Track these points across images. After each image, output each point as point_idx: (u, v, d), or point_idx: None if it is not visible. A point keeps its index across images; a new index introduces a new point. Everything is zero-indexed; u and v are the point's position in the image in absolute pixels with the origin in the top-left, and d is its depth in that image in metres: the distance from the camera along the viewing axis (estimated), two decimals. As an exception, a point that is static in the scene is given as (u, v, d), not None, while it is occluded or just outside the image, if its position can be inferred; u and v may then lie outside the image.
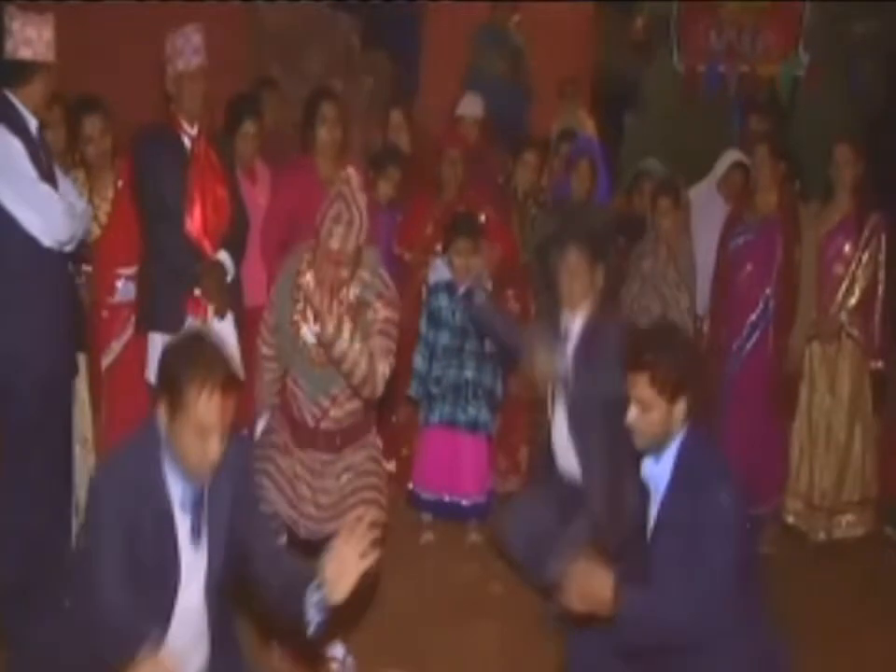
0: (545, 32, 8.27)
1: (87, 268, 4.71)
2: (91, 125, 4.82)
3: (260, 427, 4.15)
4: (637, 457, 3.23)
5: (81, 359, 4.49)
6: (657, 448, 3.14)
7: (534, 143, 6.12)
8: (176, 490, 2.81)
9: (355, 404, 3.92)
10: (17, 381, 3.99)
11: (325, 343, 3.69)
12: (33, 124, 4.01)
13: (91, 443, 4.68)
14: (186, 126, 4.50)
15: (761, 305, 5.33)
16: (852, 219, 5.44)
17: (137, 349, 4.71)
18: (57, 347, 4.13)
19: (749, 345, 5.34)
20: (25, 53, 3.92)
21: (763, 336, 5.33)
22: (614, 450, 3.89)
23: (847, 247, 5.45)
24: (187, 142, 4.51)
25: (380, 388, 3.82)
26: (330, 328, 3.63)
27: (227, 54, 6.15)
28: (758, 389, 5.31)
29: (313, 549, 3.85)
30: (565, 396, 4.37)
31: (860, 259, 5.42)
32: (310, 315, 3.81)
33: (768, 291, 5.32)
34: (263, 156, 5.39)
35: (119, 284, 4.82)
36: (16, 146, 3.90)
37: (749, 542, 3.19)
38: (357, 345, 3.68)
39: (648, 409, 3.09)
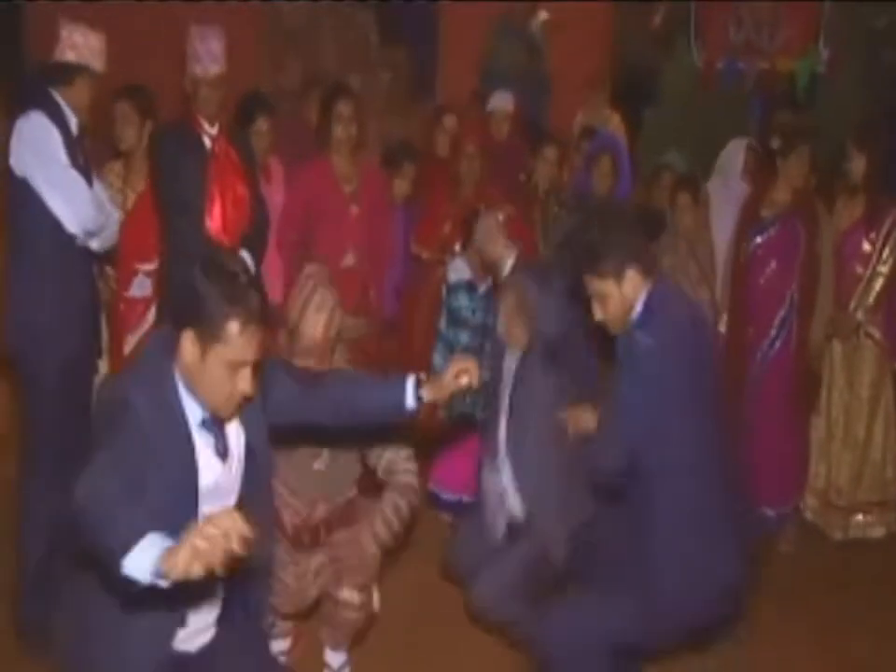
0: (565, 27, 8.24)
1: (109, 269, 4.74)
2: (127, 111, 4.98)
3: None
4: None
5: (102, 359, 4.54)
6: (628, 325, 3.29)
7: (554, 139, 6.10)
8: (194, 412, 2.61)
9: (352, 493, 3.83)
10: (42, 362, 4.06)
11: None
12: (73, 122, 4.11)
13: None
14: (205, 125, 4.50)
15: (787, 302, 5.29)
16: (870, 216, 5.39)
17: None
18: (81, 334, 4.20)
19: (777, 344, 5.30)
20: (69, 56, 4.07)
21: (789, 334, 5.30)
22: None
23: (865, 245, 5.40)
24: (207, 141, 4.52)
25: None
26: None
27: (243, 52, 6.16)
28: (782, 387, 5.28)
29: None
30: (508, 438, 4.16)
31: (879, 256, 5.38)
32: None
33: (793, 287, 5.29)
34: (278, 152, 5.38)
35: (136, 279, 4.85)
36: (54, 133, 4.01)
37: (689, 393, 3.20)
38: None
39: (602, 299, 3.29)
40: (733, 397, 5.41)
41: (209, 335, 2.46)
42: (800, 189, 5.37)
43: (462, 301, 5.16)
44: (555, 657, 3.37)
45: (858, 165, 5.38)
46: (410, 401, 2.99)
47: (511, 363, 4.11)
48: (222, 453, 2.69)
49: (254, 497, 2.77)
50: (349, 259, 5.07)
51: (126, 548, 2.10)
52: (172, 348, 2.54)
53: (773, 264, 5.31)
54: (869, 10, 8.74)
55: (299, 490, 3.67)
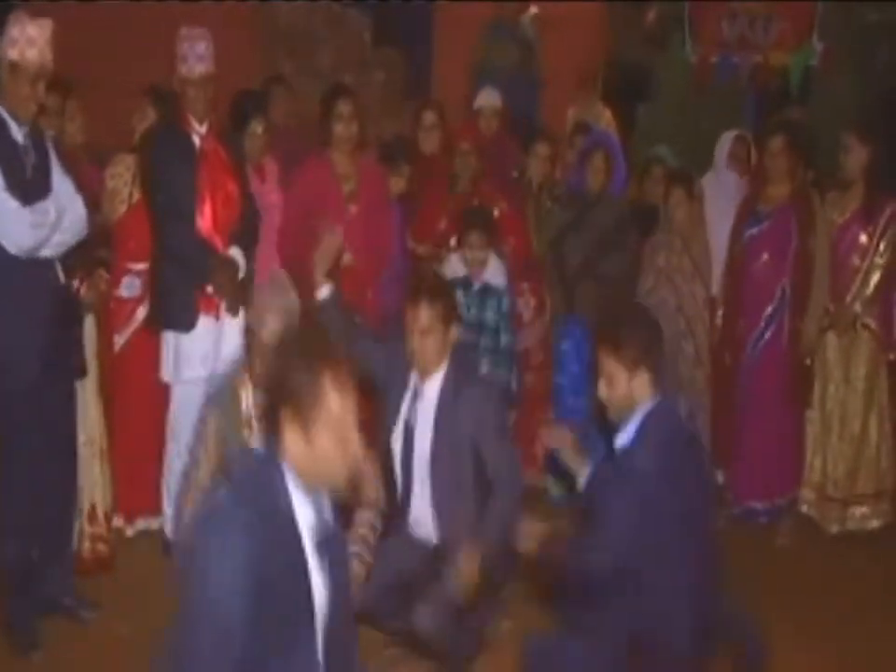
0: (558, 24, 8.25)
1: (102, 271, 4.73)
2: (143, 106, 5.02)
3: None
4: None
5: (91, 362, 4.49)
6: (625, 418, 3.38)
7: (546, 135, 6.11)
8: (305, 515, 2.41)
9: None
10: (4, 382, 3.99)
11: None
12: (15, 129, 3.93)
13: (100, 445, 4.67)
14: (195, 124, 4.52)
15: (777, 295, 5.30)
16: (867, 209, 5.40)
17: (143, 346, 4.75)
18: (45, 349, 4.05)
19: (766, 336, 5.32)
20: (10, 54, 3.86)
21: (779, 327, 5.31)
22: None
23: (862, 237, 5.40)
24: (196, 139, 4.54)
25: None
26: None
27: (238, 52, 6.19)
28: (775, 380, 5.29)
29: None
30: (424, 466, 3.97)
31: (876, 249, 5.38)
32: (256, 425, 3.56)
33: (784, 281, 5.30)
34: (272, 153, 5.40)
35: (125, 279, 4.88)
36: None
37: (678, 518, 3.20)
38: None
39: (611, 380, 3.36)
40: (726, 389, 5.45)
41: (308, 409, 2.32)
42: (794, 184, 5.38)
43: (457, 297, 5.16)
44: None
45: (856, 158, 5.38)
46: None
47: (419, 388, 3.97)
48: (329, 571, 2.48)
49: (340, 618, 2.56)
50: (347, 258, 5.08)
51: None
52: (271, 454, 2.41)
53: (764, 257, 5.33)
54: (862, 4, 8.75)
55: None
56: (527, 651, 3.45)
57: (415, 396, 3.98)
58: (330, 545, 2.46)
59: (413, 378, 3.99)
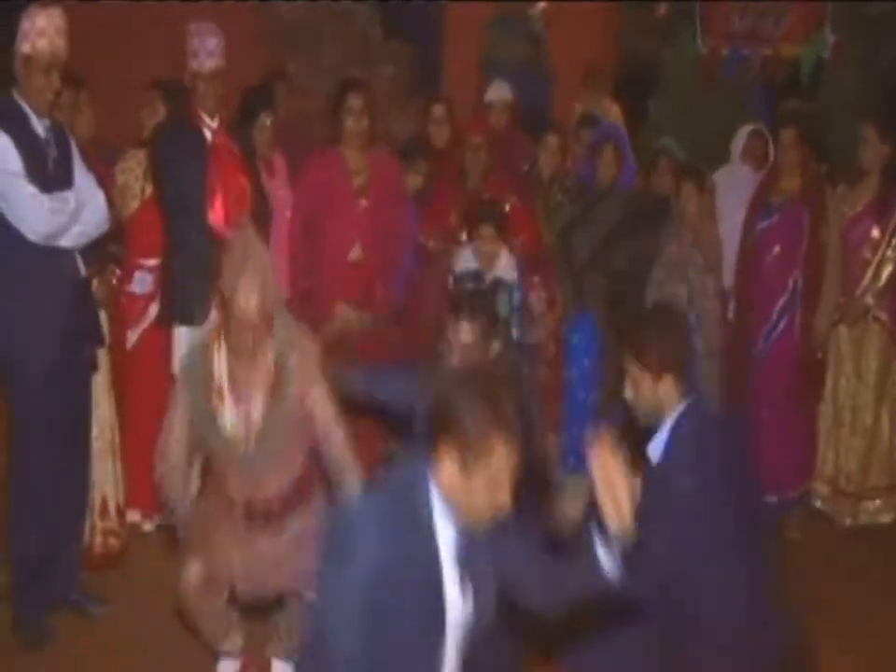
0: (568, 18, 8.24)
1: (113, 266, 4.75)
2: (153, 100, 5.04)
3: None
4: None
5: (103, 357, 4.50)
6: (654, 423, 3.31)
7: (556, 127, 6.10)
8: (446, 535, 2.45)
9: (298, 472, 3.61)
10: (23, 368, 4.04)
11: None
12: (35, 121, 4.00)
13: (112, 440, 4.69)
14: (206, 119, 4.53)
15: (789, 288, 5.30)
16: (880, 201, 5.39)
17: (155, 342, 4.76)
18: (63, 338, 4.11)
19: (778, 329, 5.31)
20: (24, 49, 3.92)
21: (791, 320, 5.31)
22: None
23: (874, 230, 5.41)
24: (207, 134, 4.54)
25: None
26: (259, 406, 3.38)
27: (244, 47, 6.18)
28: (786, 373, 5.28)
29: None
30: None
31: (888, 243, 5.38)
32: (228, 395, 3.44)
33: (796, 273, 5.29)
34: (280, 147, 5.40)
35: (137, 275, 4.89)
36: (6, 143, 3.90)
37: (728, 532, 3.16)
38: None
39: (636, 385, 3.31)
40: (738, 382, 5.43)
41: (472, 449, 2.35)
42: (806, 176, 5.37)
43: (469, 290, 5.16)
44: None
45: (875, 151, 5.37)
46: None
47: None
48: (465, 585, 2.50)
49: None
50: (356, 252, 5.08)
51: None
52: (422, 468, 2.43)
53: (776, 249, 5.32)
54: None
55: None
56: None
57: None
58: (472, 559, 2.48)
59: None
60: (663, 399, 3.27)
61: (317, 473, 3.70)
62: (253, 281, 3.27)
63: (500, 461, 2.36)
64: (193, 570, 3.53)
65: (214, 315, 3.55)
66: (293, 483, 3.59)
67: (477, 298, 4.17)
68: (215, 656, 3.88)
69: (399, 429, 4.07)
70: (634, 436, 3.29)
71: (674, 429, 3.25)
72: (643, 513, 2.85)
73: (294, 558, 3.52)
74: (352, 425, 3.69)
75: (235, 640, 3.82)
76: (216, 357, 3.43)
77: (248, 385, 3.40)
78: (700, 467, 3.15)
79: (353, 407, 3.89)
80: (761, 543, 3.38)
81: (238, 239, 3.45)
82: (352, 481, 3.51)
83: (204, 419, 3.45)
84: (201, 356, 3.49)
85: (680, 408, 3.27)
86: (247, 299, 3.26)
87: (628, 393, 3.35)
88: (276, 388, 3.42)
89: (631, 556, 2.92)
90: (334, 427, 3.54)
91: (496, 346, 3.93)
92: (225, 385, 3.41)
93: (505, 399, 2.40)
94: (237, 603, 3.72)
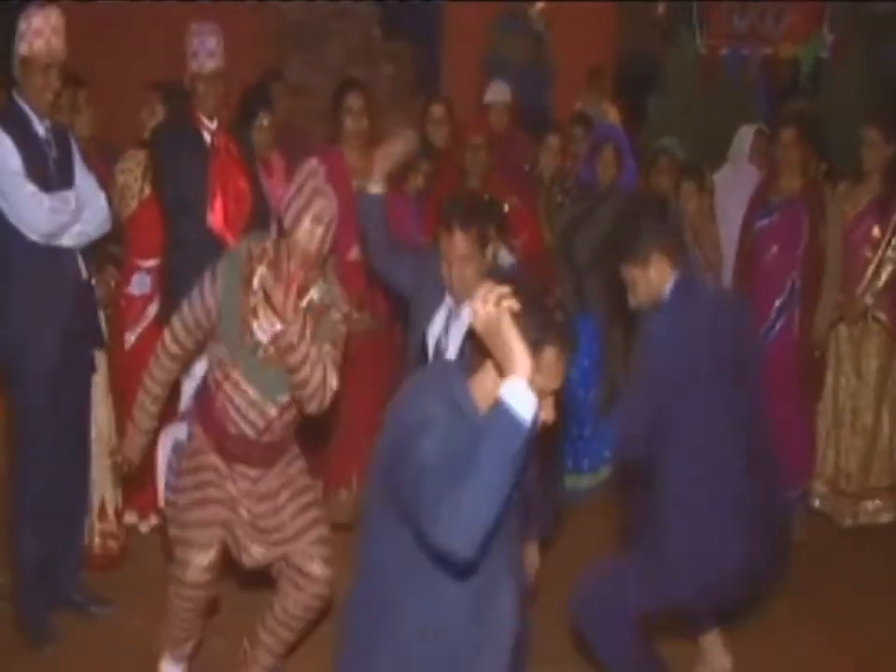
0: (569, 17, 8.25)
1: (111, 268, 4.75)
2: (152, 101, 5.05)
3: (169, 444, 3.77)
4: None
5: (100, 358, 4.50)
6: (655, 306, 3.46)
7: (557, 127, 6.10)
8: None
9: (293, 415, 3.62)
10: (25, 368, 4.05)
11: (283, 346, 3.36)
12: (36, 122, 4.02)
13: (110, 442, 4.68)
14: (205, 120, 4.54)
15: (787, 288, 5.29)
16: (882, 201, 5.39)
17: (154, 343, 4.73)
18: (64, 338, 4.12)
19: (776, 329, 5.31)
20: (22, 50, 3.93)
21: (789, 319, 5.30)
22: None
23: (875, 230, 5.40)
24: (206, 136, 4.55)
25: (327, 403, 3.48)
26: (295, 331, 3.32)
27: (246, 46, 6.19)
28: (785, 372, 5.27)
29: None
30: None
31: (889, 242, 5.38)
32: (263, 312, 3.43)
33: (794, 273, 5.29)
34: (278, 147, 5.40)
35: (136, 276, 4.89)
36: (5, 142, 3.92)
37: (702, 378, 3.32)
38: (314, 352, 3.36)
39: (634, 286, 3.45)
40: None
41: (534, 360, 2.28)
42: (805, 176, 5.37)
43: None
44: (584, 625, 3.56)
45: (878, 153, 5.37)
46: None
47: (454, 315, 3.86)
48: None
49: None
50: (355, 253, 5.08)
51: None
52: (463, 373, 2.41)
53: (775, 249, 5.32)
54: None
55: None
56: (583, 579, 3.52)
57: (450, 316, 3.90)
58: None
59: (448, 300, 3.90)
60: (656, 283, 3.40)
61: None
62: (318, 224, 3.28)
63: (551, 376, 2.33)
64: (203, 559, 3.55)
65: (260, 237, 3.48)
66: (290, 425, 3.63)
67: (470, 206, 4.12)
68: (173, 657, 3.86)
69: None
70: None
71: (667, 297, 3.40)
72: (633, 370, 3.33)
73: (293, 523, 3.61)
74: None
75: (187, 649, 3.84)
76: (257, 274, 3.40)
77: (282, 309, 3.36)
78: (680, 320, 3.33)
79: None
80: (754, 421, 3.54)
81: (312, 173, 3.40)
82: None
83: (235, 328, 3.43)
84: (239, 269, 3.43)
85: (672, 284, 3.39)
86: (309, 239, 3.28)
87: (632, 301, 3.49)
88: (315, 322, 3.42)
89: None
90: (328, 350, 3.48)
91: (490, 254, 3.86)
92: (261, 303, 3.40)
93: (563, 321, 2.37)
94: (241, 567, 3.72)
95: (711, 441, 3.36)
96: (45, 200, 3.96)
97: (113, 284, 4.62)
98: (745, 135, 6.21)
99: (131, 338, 4.90)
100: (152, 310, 4.88)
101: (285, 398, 3.52)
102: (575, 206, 5.77)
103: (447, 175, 5.68)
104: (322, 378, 3.39)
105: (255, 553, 3.65)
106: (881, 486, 5.52)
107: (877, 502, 5.53)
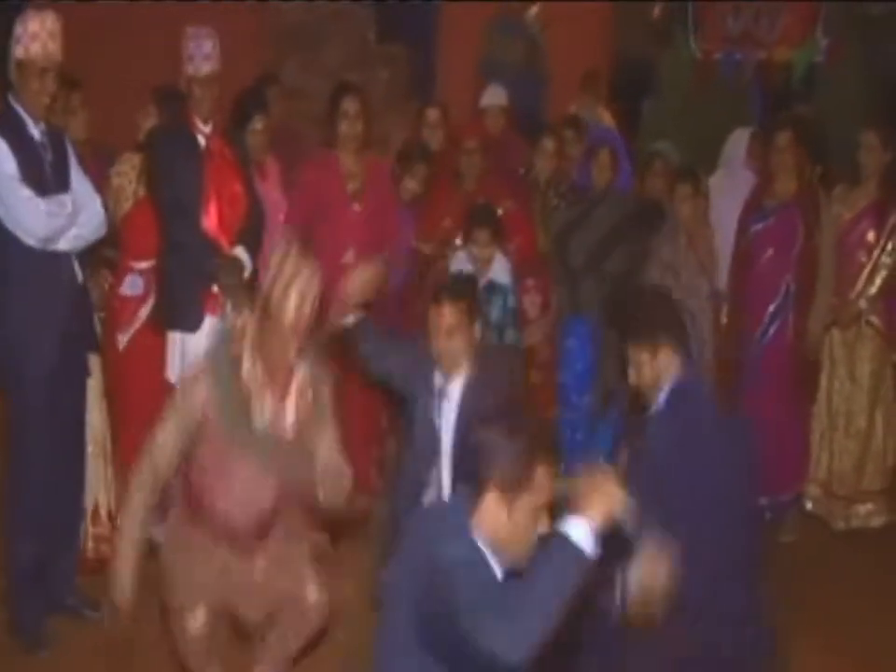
0: (564, 20, 8.25)
1: (105, 271, 4.76)
2: (144, 111, 5.08)
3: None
4: None
5: (94, 362, 4.50)
6: (654, 396, 3.46)
7: (552, 131, 6.11)
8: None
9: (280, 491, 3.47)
10: (22, 371, 4.06)
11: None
12: (32, 125, 4.02)
13: (104, 445, 4.69)
14: (200, 124, 4.55)
15: (782, 291, 5.31)
16: (877, 207, 5.41)
17: (146, 345, 4.75)
18: (62, 341, 4.13)
19: (770, 332, 5.32)
20: (18, 53, 3.94)
21: (783, 323, 5.31)
22: None
23: (870, 234, 5.42)
24: (201, 139, 4.56)
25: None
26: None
27: (243, 50, 6.19)
28: (779, 376, 5.29)
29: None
30: (448, 466, 3.98)
31: (883, 247, 5.39)
32: (261, 401, 3.29)
33: (789, 277, 5.30)
34: (273, 151, 5.41)
35: (128, 277, 4.88)
36: (2, 147, 3.93)
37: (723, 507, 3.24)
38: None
39: (638, 367, 3.46)
40: (730, 385, 5.44)
41: (518, 488, 2.43)
42: (800, 180, 5.38)
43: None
44: None
45: (877, 158, 5.39)
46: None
47: (445, 387, 3.97)
48: None
49: None
50: (349, 257, 5.08)
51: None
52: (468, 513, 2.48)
53: (769, 252, 5.33)
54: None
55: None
56: None
57: (441, 396, 3.99)
58: None
59: (438, 378, 4.00)
60: (662, 371, 3.41)
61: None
62: (304, 297, 3.20)
63: (543, 497, 2.45)
64: (197, 617, 3.49)
65: (244, 321, 3.35)
66: (276, 500, 3.48)
67: (458, 280, 4.17)
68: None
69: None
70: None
71: (671, 390, 3.40)
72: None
73: (277, 579, 3.51)
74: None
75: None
76: (246, 362, 3.28)
77: (275, 394, 3.31)
78: (685, 425, 3.29)
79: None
80: (752, 547, 3.44)
81: (288, 252, 3.31)
82: (344, 484, 3.42)
83: (234, 423, 3.28)
84: (227, 360, 3.31)
85: (679, 376, 3.40)
86: (293, 313, 3.19)
87: (632, 378, 3.50)
88: (309, 403, 3.35)
89: None
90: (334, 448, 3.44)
91: (477, 330, 3.96)
92: (255, 389, 3.30)
93: (545, 437, 2.52)
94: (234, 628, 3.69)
95: (709, 556, 3.22)
96: (41, 204, 3.97)
97: (107, 287, 4.63)
98: (739, 139, 6.21)
99: (123, 339, 4.89)
100: (144, 311, 4.86)
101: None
102: (570, 210, 5.77)
103: (442, 178, 5.69)
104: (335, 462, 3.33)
105: (251, 616, 3.60)
106: (874, 490, 5.53)
107: (870, 506, 5.54)
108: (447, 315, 3.86)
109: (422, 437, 4.06)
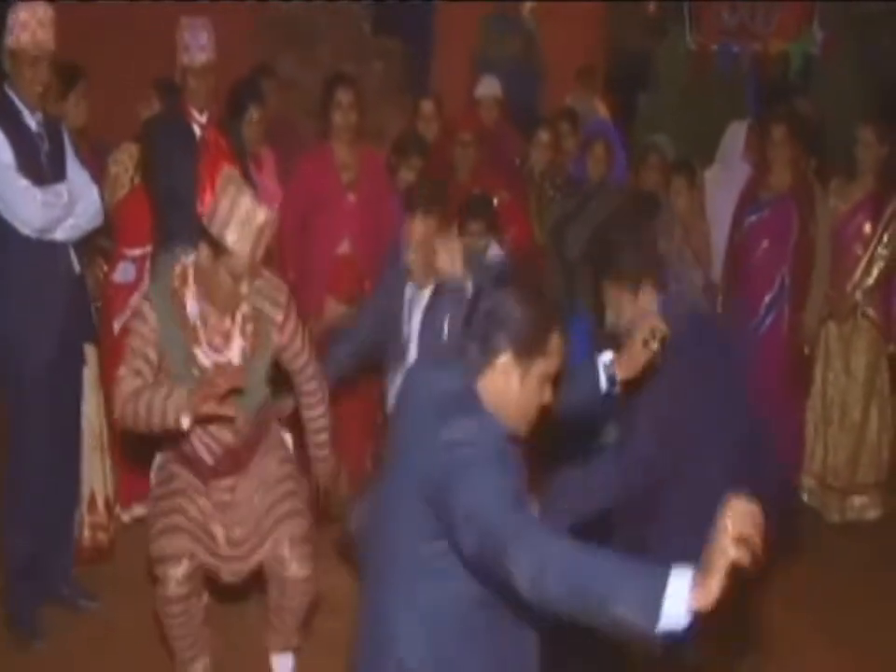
0: (559, 15, 8.26)
1: (100, 260, 4.76)
2: (147, 102, 5.14)
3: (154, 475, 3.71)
4: None
5: (90, 351, 4.49)
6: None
7: (548, 122, 6.11)
8: None
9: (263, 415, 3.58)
10: (19, 362, 4.05)
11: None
12: (28, 115, 4.02)
13: (100, 434, 4.67)
14: (195, 114, 4.56)
15: (777, 284, 5.31)
16: (874, 199, 5.41)
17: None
18: (59, 332, 4.13)
19: (765, 325, 5.33)
20: (10, 43, 3.95)
21: (778, 315, 5.32)
22: None
23: (866, 227, 5.42)
24: (197, 129, 4.57)
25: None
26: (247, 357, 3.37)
27: (238, 42, 6.18)
28: (774, 368, 5.29)
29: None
30: None
31: (880, 240, 5.39)
32: (204, 337, 3.32)
33: (784, 270, 5.31)
34: (269, 142, 5.41)
35: (120, 264, 4.88)
36: None
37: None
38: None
39: (618, 307, 3.39)
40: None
41: (533, 352, 2.34)
42: (795, 172, 5.38)
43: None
44: None
45: (873, 153, 5.39)
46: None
47: (416, 297, 4.06)
48: None
49: None
50: (345, 247, 5.09)
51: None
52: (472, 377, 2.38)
53: (764, 245, 5.34)
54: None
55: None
56: None
57: (411, 304, 4.09)
58: None
59: (410, 290, 4.09)
60: (644, 309, 3.32)
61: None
62: (248, 225, 3.16)
63: (554, 365, 2.39)
64: (177, 571, 3.47)
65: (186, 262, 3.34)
66: (261, 423, 3.57)
67: (432, 192, 4.15)
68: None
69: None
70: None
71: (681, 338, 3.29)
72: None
73: (266, 520, 3.55)
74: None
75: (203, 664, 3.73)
76: (188, 299, 3.29)
77: (221, 331, 3.34)
78: (676, 359, 3.18)
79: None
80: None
81: (230, 181, 3.30)
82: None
83: (180, 359, 3.30)
84: (170, 296, 3.29)
85: (661, 298, 3.34)
86: (241, 243, 3.15)
87: (610, 317, 3.42)
88: (256, 338, 3.38)
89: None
90: (311, 366, 3.62)
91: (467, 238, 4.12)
92: (200, 328, 3.30)
93: (559, 304, 2.48)
94: (220, 581, 3.68)
95: (718, 471, 3.24)
96: (38, 194, 3.97)
97: (101, 276, 4.63)
98: (737, 132, 6.21)
99: (116, 326, 4.89)
100: (135, 299, 4.85)
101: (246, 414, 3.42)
102: (566, 202, 5.76)
103: (437, 170, 5.69)
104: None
105: (230, 574, 3.63)
106: (868, 482, 5.54)
107: (864, 498, 5.55)
108: (417, 226, 3.93)
109: (394, 347, 4.13)
